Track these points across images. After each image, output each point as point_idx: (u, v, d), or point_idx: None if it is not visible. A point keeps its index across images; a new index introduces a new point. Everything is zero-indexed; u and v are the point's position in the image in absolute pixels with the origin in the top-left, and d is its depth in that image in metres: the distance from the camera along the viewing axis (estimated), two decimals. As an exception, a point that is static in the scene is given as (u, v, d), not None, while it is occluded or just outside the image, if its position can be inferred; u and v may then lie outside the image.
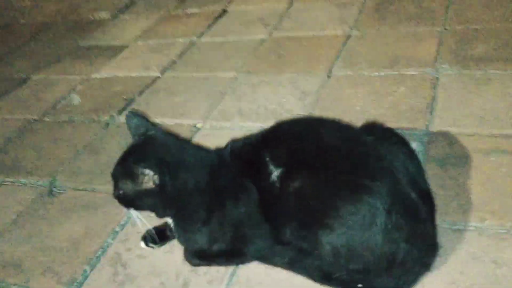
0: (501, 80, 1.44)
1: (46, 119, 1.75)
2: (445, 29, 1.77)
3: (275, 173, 0.92)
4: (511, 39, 1.62)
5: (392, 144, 1.02)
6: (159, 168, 0.91)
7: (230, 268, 1.04)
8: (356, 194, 0.85)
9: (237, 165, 1.00)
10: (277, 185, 0.92)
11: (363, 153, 0.94)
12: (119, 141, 1.53)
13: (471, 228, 1.02)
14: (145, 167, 0.91)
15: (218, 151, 1.06)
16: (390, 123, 1.34)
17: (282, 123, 1.09)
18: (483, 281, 0.90)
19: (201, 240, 0.99)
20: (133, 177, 0.93)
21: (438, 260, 0.93)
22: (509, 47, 1.59)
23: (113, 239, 1.17)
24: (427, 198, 0.96)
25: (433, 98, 1.42)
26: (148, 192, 0.93)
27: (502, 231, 0.99)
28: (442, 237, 1.00)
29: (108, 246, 1.16)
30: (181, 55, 1.99)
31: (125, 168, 0.95)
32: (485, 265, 0.93)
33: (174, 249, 1.11)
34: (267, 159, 0.94)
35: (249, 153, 1.00)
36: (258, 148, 0.98)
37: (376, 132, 1.09)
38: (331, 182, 0.88)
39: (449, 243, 0.99)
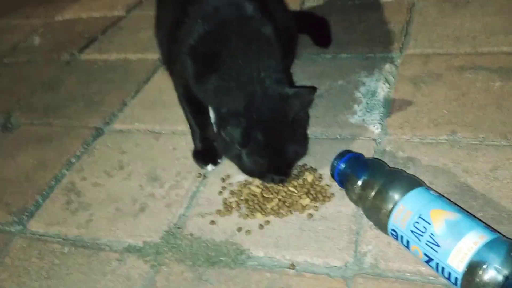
0: (478, 2, 1.37)
1: (5, 61, 1.66)
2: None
3: None
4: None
5: None
6: None
7: (190, 191, 0.98)
8: None
9: None
10: None
11: None
12: (79, 78, 1.45)
13: (442, 140, 0.96)
14: None
15: None
16: (363, 48, 1.28)
17: None
18: (454, 190, 0.85)
19: None
20: None
21: (410, 173, 0.87)
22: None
23: (67, 169, 1.10)
24: None
25: (408, 22, 1.35)
26: None
27: (475, 142, 0.94)
28: (412, 151, 0.95)
29: (62, 177, 1.09)
30: (148, -6, 1.88)
31: None
32: (456, 175, 0.88)
33: (131, 176, 1.05)
34: None
35: None
36: None
37: None
38: None
39: (420, 155, 0.93)
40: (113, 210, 0.98)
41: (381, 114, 1.05)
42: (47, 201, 1.03)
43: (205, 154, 1.01)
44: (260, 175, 0.90)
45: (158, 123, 1.18)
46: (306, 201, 0.89)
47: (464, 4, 1.38)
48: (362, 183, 0.81)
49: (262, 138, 0.83)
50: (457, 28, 1.28)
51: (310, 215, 0.87)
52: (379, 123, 1.03)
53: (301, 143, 0.89)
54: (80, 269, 0.87)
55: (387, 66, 1.19)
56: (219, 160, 1.00)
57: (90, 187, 1.05)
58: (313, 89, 0.88)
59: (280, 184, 0.90)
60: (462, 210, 0.73)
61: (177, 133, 1.13)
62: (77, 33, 1.71)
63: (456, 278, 0.67)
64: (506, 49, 1.16)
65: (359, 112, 1.07)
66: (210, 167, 1.00)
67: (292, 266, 0.80)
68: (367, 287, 0.74)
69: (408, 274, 0.74)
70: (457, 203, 0.80)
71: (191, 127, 1.04)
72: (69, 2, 1.98)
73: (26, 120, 1.31)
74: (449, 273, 0.67)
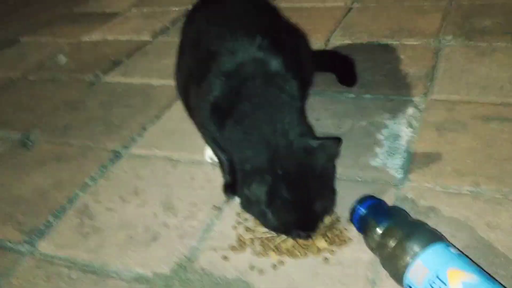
0: (505, 52, 1.36)
1: (30, 77, 1.68)
2: (451, 3, 1.69)
3: None
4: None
5: None
6: None
7: (204, 223, 0.96)
8: None
9: None
10: None
11: None
12: (101, 100, 1.46)
13: (465, 192, 0.93)
14: None
15: None
16: (387, 90, 1.27)
17: None
18: (476, 244, 0.82)
19: None
20: None
21: (430, 224, 0.84)
22: (515, 21, 1.51)
23: (82, 191, 1.10)
24: None
25: (434, 67, 1.34)
26: None
27: (498, 196, 0.91)
28: (434, 200, 0.92)
29: (76, 198, 1.08)
30: (174, 22, 1.91)
31: None
32: (478, 229, 0.85)
33: (146, 203, 1.03)
34: None
35: None
36: None
37: None
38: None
39: (442, 206, 0.91)
40: (125, 237, 0.96)
41: (403, 159, 1.03)
42: (59, 222, 1.02)
43: (234, 186, 0.98)
44: (286, 232, 0.85)
45: (176, 150, 1.18)
46: (322, 243, 0.86)
47: (491, 53, 1.37)
48: (383, 232, 0.79)
49: (288, 195, 0.79)
50: (484, 76, 1.27)
51: (326, 259, 0.84)
52: (401, 168, 1.01)
53: (329, 197, 0.85)
54: (87, 295, 0.86)
55: (411, 110, 1.18)
56: None
57: (103, 211, 1.04)
58: (338, 140, 0.84)
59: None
60: (481, 271, 0.70)
61: (195, 163, 1.12)
62: (102, 55, 1.74)
63: None
64: (533, 101, 1.15)
65: (381, 156, 1.05)
66: (235, 199, 0.98)
67: (305, 311, 0.77)
68: None
69: (426, 331, 0.71)
70: (478, 258, 0.77)
71: (219, 159, 1.02)
72: (96, 24, 2.02)
73: (45, 139, 1.31)
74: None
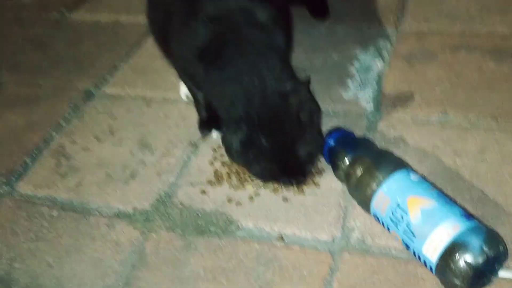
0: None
1: (-9, 17, 1.61)
2: None
3: None
4: None
5: None
6: None
7: (181, 160, 0.98)
8: None
9: None
10: None
11: None
12: (69, 38, 1.42)
13: (434, 121, 0.97)
14: None
15: None
16: (359, 21, 1.27)
17: None
18: (442, 170, 0.86)
19: None
20: None
21: (399, 152, 0.88)
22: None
23: (57, 132, 1.09)
24: None
25: (405, -1, 1.34)
26: None
27: (465, 123, 0.95)
28: (404, 129, 0.95)
29: (51, 139, 1.08)
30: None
31: None
32: (445, 155, 0.89)
33: (122, 142, 1.04)
34: None
35: None
36: None
37: None
38: None
39: (411, 135, 0.94)
40: (103, 175, 0.97)
41: (374, 91, 1.05)
42: (36, 163, 1.03)
43: (210, 122, 0.99)
44: (274, 180, 0.86)
45: (149, 89, 1.17)
46: (296, 175, 0.89)
47: (462, -18, 1.36)
48: (350, 161, 0.82)
49: (267, 142, 0.79)
50: (454, 6, 1.28)
51: (301, 190, 0.88)
52: (372, 100, 1.03)
53: (313, 142, 0.84)
54: (69, 232, 0.88)
55: (382, 42, 1.19)
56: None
57: (79, 150, 1.04)
58: (307, 82, 0.82)
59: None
60: (441, 196, 0.73)
61: (169, 101, 1.12)
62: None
63: (431, 267, 0.69)
64: (501, 30, 1.17)
65: (352, 88, 1.07)
66: (214, 134, 0.99)
67: (281, 238, 0.81)
68: (353, 262, 0.76)
69: (394, 251, 0.76)
70: (444, 184, 0.81)
71: (194, 97, 1.01)
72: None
73: (13, 80, 1.28)
74: (425, 262, 0.69)
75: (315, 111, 0.84)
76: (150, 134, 1.05)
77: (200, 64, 0.87)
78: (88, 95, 1.18)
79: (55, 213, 0.92)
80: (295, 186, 0.87)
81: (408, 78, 1.07)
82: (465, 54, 1.11)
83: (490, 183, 0.83)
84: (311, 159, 0.85)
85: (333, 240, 0.80)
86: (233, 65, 0.83)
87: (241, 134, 0.78)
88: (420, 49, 1.15)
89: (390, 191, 0.74)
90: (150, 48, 1.30)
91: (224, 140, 0.84)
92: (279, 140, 0.80)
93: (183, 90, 1.09)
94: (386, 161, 0.79)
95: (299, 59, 1.16)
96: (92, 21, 1.48)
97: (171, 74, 1.05)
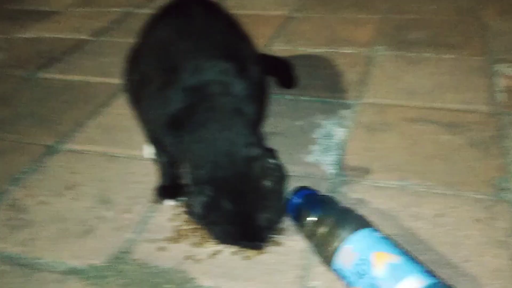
0: (431, 61, 1.47)
1: (-41, 72, 1.61)
2: (384, 17, 1.79)
3: None
4: (442, 29, 1.67)
5: None
6: None
7: (140, 216, 0.96)
8: None
9: None
10: None
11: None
12: (36, 95, 1.42)
13: (392, 186, 0.99)
14: None
15: None
16: (323, 93, 1.33)
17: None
18: (400, 232, 0.88)
19: None
20: None
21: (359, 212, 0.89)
22: (440, 35, 1.63)
23: (13, 185, 1.06)
24: None
25: (367, 74, 1.42)
26: None
27: (422, 189, 0.98)
28: (364, 192, 0.97)
29: (5, 193, 1.04)
30: (114, 22, 1.90)
31: None
32: (403, 218, 0.91)
33: (80, 197, 1.02)
34: None
35: None
36: None
37: None
38: None
39: (371, 198, 0.96)
40: (57, 230, 0.94)
41: (336, 156, 1.08)
42: (-13, 216, 0.98)
43: (168, 190, 0.99)
44: (234, 243, 0.85)
45: (114, 146, 1.17)
46: (257, 234, 0.88)
47: (418, 62, 1.46)
48: (315, 220, 0.82)
49: (229, 206, 0.79)
50: (412, 83, 1.36)
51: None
52: (334, 164, 1.06)
53: (274, 209, 0.83)
54: (16, 288, 0.83)
55: (345, 112, 1.24)
56: (179, 198, 0.97)
57: (35, 205, 1.01)
58: (273, 149, 0.85)
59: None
60: (406, 253, 0.75)
61: (133, 158, 1.12)
62: (38, 51, 1.69)
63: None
64: (454, 106, 1.24)
65: (315, 153, 1.10)
66: (171, 202, 0.98)
67: (239, 297, 0.79)
68: (312, 322, 0.74)
69: (354, 311, 0.75)
70: (403, 245, 0.82)
71: (158, 162, 1.01)
72: (33, 22, 1.96)
73: (-25, 132, 1.26)
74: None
75: (279, 178, 0.84)
76: (111, 190, 1.03)
77: (168, 130, 0.88)
78: (50, 151, 1.17)
79: (3, 268, 0.87)
80: (253, 250, 0.86)
81: (369, 146, 1.11)
82: (422, 126, 1.17)
83: (446, 246, 0.84)
84: (271, 225, 0.85)
85: (293, 300, 0.78)
86: (202, 129, 0.84)
87: (204, 196, 0.78)
88: (380, 120, 1.20)
89: (356, 246, 0.75)
90: (119, 107, 1.32)
91: (187, 201, 0.83)
92: (240, 205, 0.80)
93: (147, 151, 1.09)
94: (351, 218, 0.80)
95: (265, 123, 1.20)
96: (62, 80, 1.49)
97: (138, 133, 1.05)
